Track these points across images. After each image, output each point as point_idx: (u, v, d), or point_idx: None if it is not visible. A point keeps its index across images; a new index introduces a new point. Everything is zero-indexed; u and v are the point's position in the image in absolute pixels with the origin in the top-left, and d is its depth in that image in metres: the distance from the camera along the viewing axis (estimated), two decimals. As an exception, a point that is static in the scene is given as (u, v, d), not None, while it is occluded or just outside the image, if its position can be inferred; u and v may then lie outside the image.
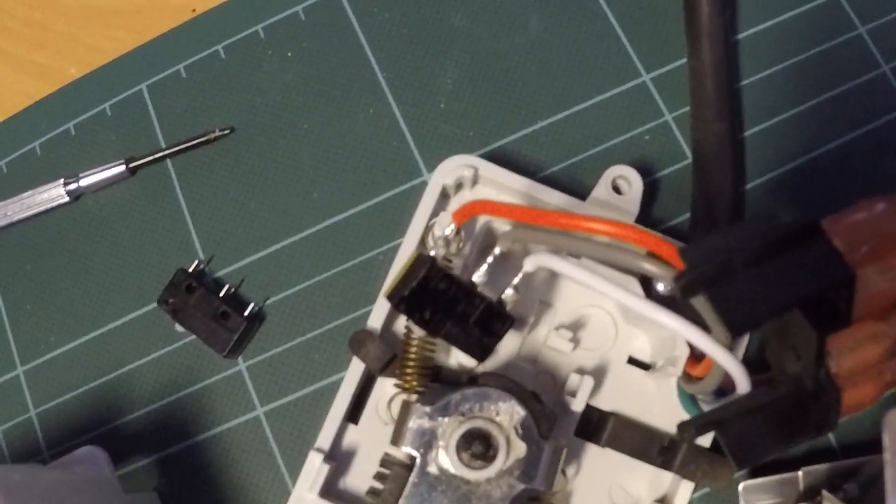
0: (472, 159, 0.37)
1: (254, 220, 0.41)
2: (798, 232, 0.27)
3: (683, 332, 0.30)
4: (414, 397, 0.34)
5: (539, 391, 0.36)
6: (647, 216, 0.38)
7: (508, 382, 0.34)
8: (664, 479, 0.36)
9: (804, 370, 0.29)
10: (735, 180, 0.38)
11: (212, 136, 0.41)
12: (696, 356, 0.34)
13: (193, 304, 0.39)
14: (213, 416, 0.39)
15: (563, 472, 0.36)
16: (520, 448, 0.33)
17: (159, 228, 0.41)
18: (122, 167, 0.42)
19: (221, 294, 0.39)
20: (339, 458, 0.36)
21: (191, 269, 0.40)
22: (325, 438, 0.36)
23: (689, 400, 0.35)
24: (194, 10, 0.44)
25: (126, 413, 0.40)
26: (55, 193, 0.42)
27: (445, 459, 0.33)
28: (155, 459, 0.39)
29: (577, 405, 0.35)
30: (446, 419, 0.33)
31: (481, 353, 0.33)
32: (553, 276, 0.37)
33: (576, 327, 0.37)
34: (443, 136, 0.40)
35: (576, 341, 0.37)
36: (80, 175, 0.42)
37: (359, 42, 0.42)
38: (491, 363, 0.36)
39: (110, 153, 0.43)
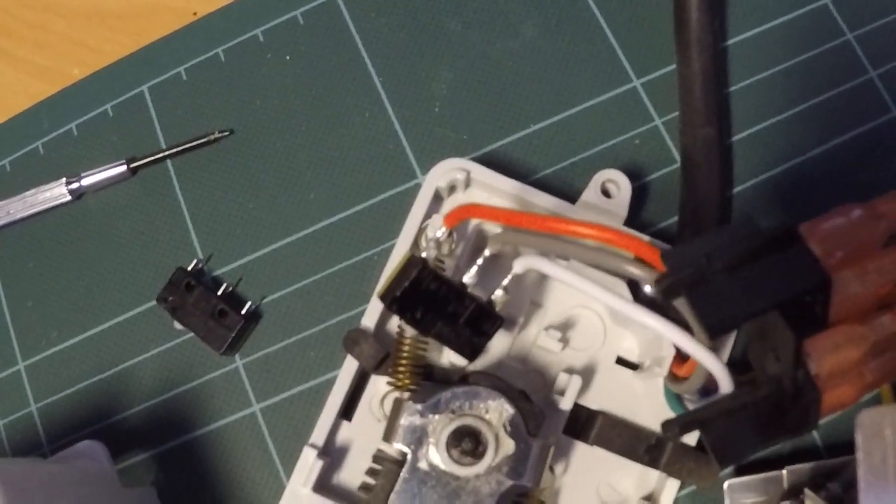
0: (465, 163, 0.38)
1: (252, 221, 0.41)
2: (777, 237, 0.27)
3: (667, 333, 0.31)
4: (406, 395, 0.35)
5: (528, 390, 0.36)
6: (636, 219, 0.39)
7: (498, 381, 0.35)
8: (651, 477, 0.37)
9: (784, 371, 0.30)
10: (722, 185, 0.39)
11: (211, 137, 0.42)
12: (681, 356, 0.35)
13: (192, 302, 0.40)
14: (211, 412, 0.40)
15: (552, 469, 0.37)
16: (508, 445, 0.33)
17: (159, 228, 0.42)
18: (124, 167, 0.43)
19: (219, 293, 0.40)
20: (332, 454, 0.37)
21: (189, 268, 0.41)
22: (319, 434, 0.36)
23: (675, 399, 0.36)
24: (195, 14, 0.45)
25: (125, 408, 0.41)
26: (57, 192, 0.43)
27: (435, 456, 0.33)
28: (153, 454, 0.40)
29: (566, 404, 0.36)
30: (437, 416, 0.34)
31: (471, 352, 0.34)
32: (543, 277, 0.38)
33: (565, 327, 0.38)
34: (437, 139, 0.41)
35: (565, 341, 0.37)
36: (82, 174, 0.43)
37: (356, 46, 0.43)
38: (482, 362, 0.37)
39: (112, 153, 0.43)
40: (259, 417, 0.40)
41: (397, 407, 0.34)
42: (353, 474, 0.37)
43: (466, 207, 0.33)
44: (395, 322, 0.37)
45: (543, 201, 0.37)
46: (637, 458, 0.37)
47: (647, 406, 0.37)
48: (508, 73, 0.42)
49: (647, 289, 0.36)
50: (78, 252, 0.43)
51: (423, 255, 0.33)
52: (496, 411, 0.34)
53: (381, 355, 0.36)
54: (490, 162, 0.39)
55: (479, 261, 0.34)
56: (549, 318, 0.38)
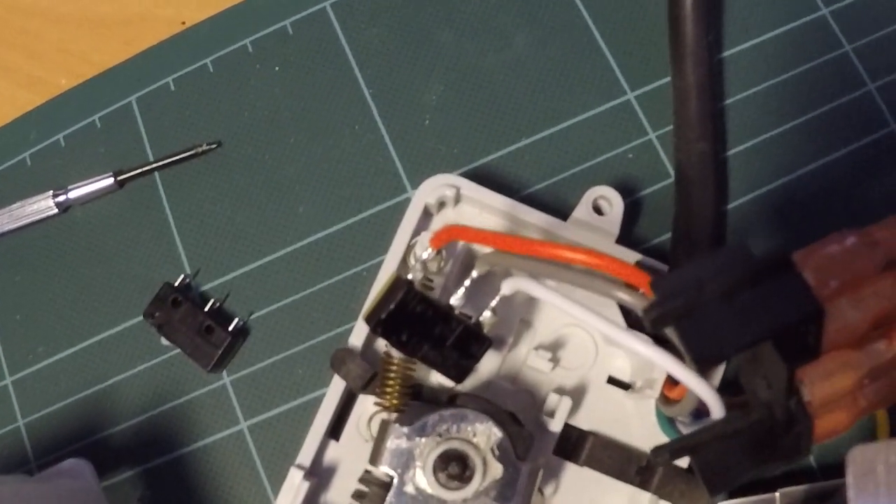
0: (454, 178, 0.37)
1: (240, 235, 0.41)
2: (769, 265, 0.27)
3: (657, 359, 0.31)
4: (394, 415, 0.35)
5: (518, 410, 0.36)
6: (629, 235, 0.39)
7: (486, 404, 0.34)
8: (642, 499, 0.36)
9: (775, 399, 0.29)
10: (717, 201, 0.38)
11: (199, 150, 0.42)
12: (673, 379, 0.34)
13: (179, 318, 0.40)
14: (198, 429, 0.40)
15: (541, 491, 0.36)
16: (496, 469, 0.33)
17: (146, 241, 0.42)
18: (111, 180, 0.42)
19: (206, 308, 0.40)
20: (319, 475, 0.37)
21: (177, 283, 0.40)
22: (305, 455, 0.36)
23: (666, 421, 0.35)
24: (184, 23, 0.44)
25: (112, 425, 0.40)
26: (44, 205, 0.42)
27: (422, 480, 0.33)
28: (140, 471, 0.40)
29: (556, 425, 0.35)
30: (424, 440, 0.33)
31: (459, 375, 0.34)
32: (533, 298, 0.37)
33: (555, 347, 0.37)
34: (427, 152, 0.41)
35: (555, 361, 0.37)
36: (69, 187, 0.42)
37: (346, 57, 0.42)
38: (470, 382, 0.37)
39: (99, 165, 0.43)
40: (247, 435, 0.39)
41: (384, 429, 0.34)
42: (340, 495, 0.36)
43: (453, 229, 0.33)
44: (382, 341, 0.37)
45: (534, 218, 0.37)
46: (628, 479, 0.36)
47: (639, 426, 0.36)
48: (500, 85, 0.41)
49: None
50: (65, 266, 0.42)
51: (410, 276, 0.33)
52: (484, 435, 0.33)
53: (368, 375, 0.36)
54: (481, 176, 0.39)
55: (467, 282, 0.33)
56: (540, 338, 0.37)
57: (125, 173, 0.42)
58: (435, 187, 0.37)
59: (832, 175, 0.40)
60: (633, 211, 0.39)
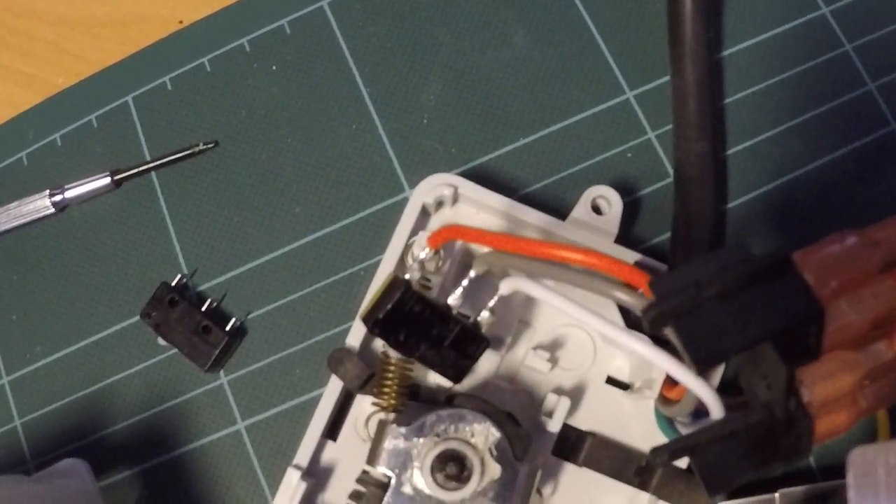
0: (452, 178, 0.37)
1: (237, 235, 0.41)
2: (769, 265, 0.26)
3: (656, 360, 0.30)
4: (391, 416, 0.35)
5: (516, 410, 0.36)
6: (628, 235, 0.38)
7: (484, 404, 0.34)
8: (641, 499, 0.36)
9: (775, 400, 0.29)
10: (716, 200, 0.38)
11: (196, 149, 0.41)
12: (672, 379, 0.34)
13: (175, 318, 0.39)
14: (195, 429, 0.39)
15: (540, 491, 0.36)
16: (494, 470, 0.33)
17: (143, 241, 0.42)
18: (108, 179, 0.42)
19: (203, 308, 0.40)
20: (317, 475, 0.36)
21: (174, 283, 0.40)
22: (303, 455, 0.36)
23: (666, 422, 0.35)
24: (181, 22, 0.44)
25: (109, 425, 0.40)
26: (41, 205, 0.42)
27: (420, 480, 0.33)
28: (137, 471, 0.39)
29: (554, 426, 0.35)
30: (421, 440, 0.33)
31: (456, 375, 0.33)
32: (532, 298, 0.37)
33: (554, 347, 0.37)
34: (425, 152, 0.40)
35: (554, 361, 0.37)
36: (66, 187, 0.42)
37: (343, 56, 0.42)
38: (469, 382, 0.36)
39: (96, 164, 0.43)
40: (244, 435, 0.39)
41: (381, 429, 0.34)
42: (337, 495, 0.36)
43: (451, 229, 0.33)
44: (380, 341, 0.37)
45: (532, 218, 0.36)
46: (627, 479, 0.36)
47: (638, 427, 0.36)
48: (498, 84, 0.41)
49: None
50: (62, 265, 0.42)
51: (408, 276, 0.33)
52: (482, 435, 0.33)
53: (365, 375, 0.35)
54: (479, 176, 0.39)
55: (465, 282, 0.33)
56: (538, 338, 0.37)
57: (122, 173, 0.42)
58: (432, 187, 0.37)
59: (832, 175, 0.40)
60: (632, 210, 0.39)
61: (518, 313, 0.37)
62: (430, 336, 0.32)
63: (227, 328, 0.39)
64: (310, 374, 0.39)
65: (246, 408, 0.39)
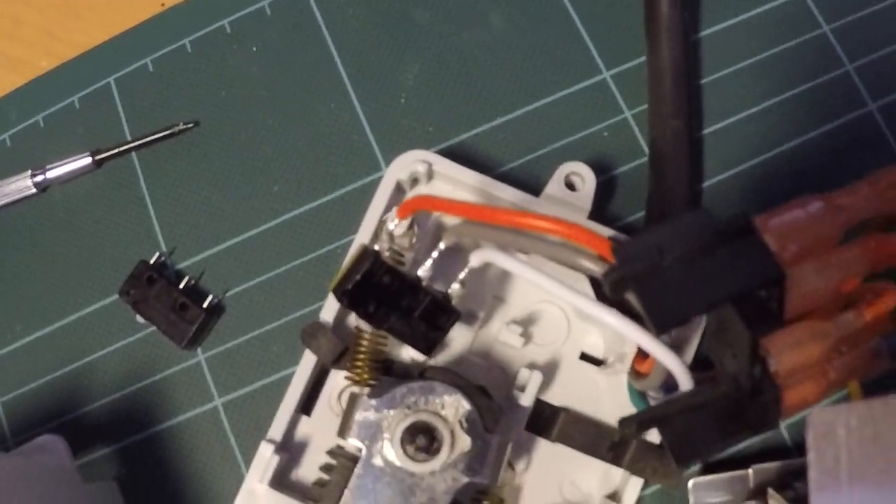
0: (427, 154, 0.37)
1: (215, 213, 0.41)
2: (730, 229, 0.27)
3: (625, 330, 0.31)
4: (366, 390, 0.35)
5: (490, 386, 0.36)
6: (603, 213, 0.38)
7: (455, 377, 0.34)
8: (615, 475, 0.36)
9: (740, 368, 0.29)
10: (691, 178, 0.38)
11: (176, 129, 0.42)
12: (643, 352, 0.34)
13: (153, 295, 0.40)
14: (173, 406, 0.40)
15: (512, 465, 0.36)
16: (464, 442, 0.33)
17: (123, 220, 0.42)
18: (88, 159, 0.42)
19: (181, 286, 0.40)
20: (291, 450, 0.36)
21: (152, 261, 0.40)
22: (276, 430, 0.36)
23: (638, 396, 0.35)
24: (163, 5, 0.44)
25: (88, 403, 0.40)
26: (22, 185, 0.42)
27: (390, 452, 0.33)
28: (115, 449, 0.40)
29: (526, 400, 0.35)
30: (392, 412, 0.33)
31: (427, 347, 0.33)
32: (506, 272, 0.37)
33: (528, 322, 0.37)
34: (402, 131, 0.41)
35: (527, 336, 0.37)
36: (47, 167, 0.42)
37: (323, 37, 0.42)
38: (442, 357, 0.37)
39: (78, 146, 0.43)
40: (221, 412, 0.39)
41: (352, 401, 0.34)
42: (311, 470, 0.36)
43: (421, 198, 0.33)
44: (354, 316, 0.37)
45: (507, 194, 0.37)
46: (600, 455, 0.36)
47: (611, 403, 0.36)
48: (476, 63, 0.41)
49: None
50: (43, 245, 0.42)
51: (377, 247, 0.33)
52: (452, 407, 0.33)
53: (339, 349, 0.36)
54: (456, 154, 0.39)
55: (435, 253, 0.33)
56: (512, 314, 0.37)
57: (102, 153, 0.42)
58: (407, 163, 0.37)
59: (809, 155, 0.40)
60: (607, 189, 0.39)
61: (492, 289, 0.37)
62: (399, 307, 0.32)
63: (205, 305, 0.39)
64: (286, 351, 0.39)
65: (223, 385, 0.39)
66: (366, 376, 0.35)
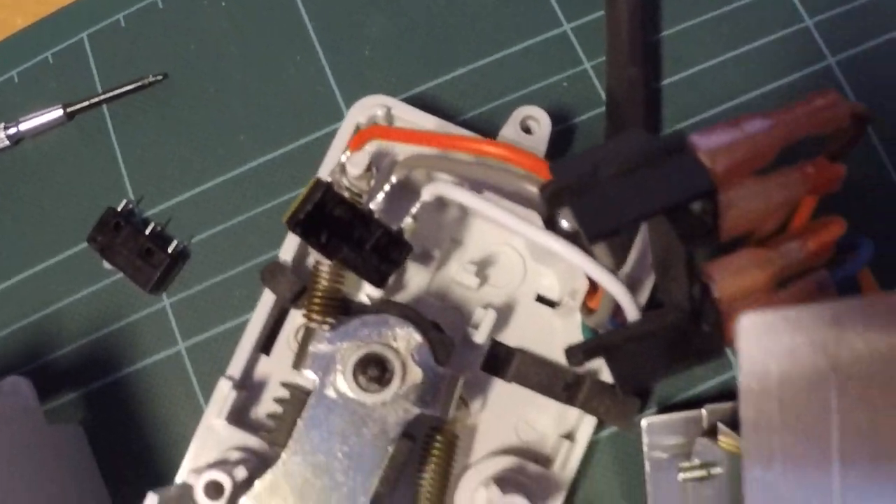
0: (387, 99, 0.38)
1: (183, 163, 0.42)
2: (666, 147, 0.27)
3: (570, 256, 0.31)
4: (324, 329, 0.35)
5: (446, 326, 0.36)
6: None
7: (408, 311, 0.34)
8: (570, 415, 0.36)
9: (679, 289, 0.29)
10: (647, 124, 0.39)
11: (145, 82, 0.42)
12: (594, 289, 0.34)
13: (120, 241, 0.40)
14: (138, 351, 0.40)
15: (465, 401, 0.36)
16: (416, 374, 0.33)
17: (93, 171, 0.42)
18: (60, 112, 0.43)
19: (147, 232, 0.40)
20: (249, 388, 0.37)
21: (119, 209, 0.41)
22: (235, 367, 0.36)
23: (591, 333, 0.36)
24: (135, -38, 0.45)
25: (56, 349, 0.41)
26: (-5, 137, 0.43)
27: (342, 383, 0.33)
28: (81, 394, 0.40)
29: (480, 337, 0.36)
30: (345, 344, 0.34)
31: (379, 279, 0.34)
32: (463, 215, 0.38)
33: (485, 265, 0.38)
34: (367, 81, 0.41)
35: (484, 278, 0.37)
36: (20, 119, 0.43)
37: (290, -9, 0.43)
38: (400, 298, 0.37)
39: (51, 100, 0.43)
40: (185, 356, 0.40)
41: (307, 335, 0.34)
42: (269, 407, 0.37)
43: (372, 128, 0.33)
44: (313, 257, 0.37)
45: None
46: (555, 395, 0.36)
47: (566, 343, 0.36)
48: (439, 15, 0.42)
49: (565, 223, 0.36)
50: (14, 196, 0.43)
51: (329, 178, 0.33)
52: (404, 339, 0.34)
53: (297, 288, 0.36)
54: (417, 103, 0.39)
55: (387, 187, 0.34)
56: (469, 256, 0.38)
57: (73, 105, 0.43)
58: (367, 107, 0.37)
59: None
60: (565, 137, 0.40)
61: (450, 232, 0.38)
62: (351, 238, 0.33)
63: (170, 250, 0.40)
64: (249, 296, 0.40)
65: (187, 329, 0.40)
66: (323, 315, 0.35)
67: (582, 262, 0.31)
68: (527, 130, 0.37)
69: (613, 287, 0.31)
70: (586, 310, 0.35)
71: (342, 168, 0.34)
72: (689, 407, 0.37)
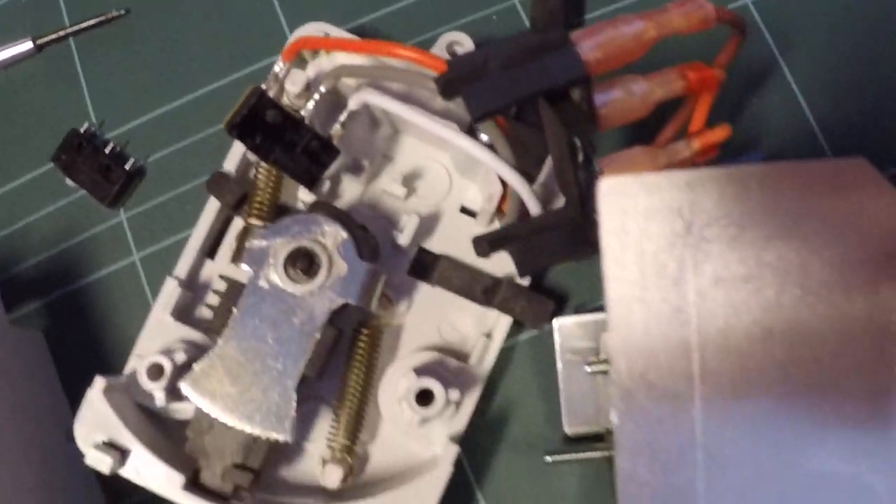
0: (325, 26, 0.41)
1: (142, 90, 0.45)
2: (549, 42, 0.30)
3: (476, 153, 0.34)
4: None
5: (376, 233, 0.39)
6: (489, 87, 0.42)
7: (337, 211, 0.38)
8: (489, 317, 0.39)
9: (565, 167, 0.32)
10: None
11: (109, 16, 0.46)
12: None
13: (82, 160, 0.43)
14: (96, 262, 0.43)
15: (390, 299, 0.39)
16: (341, 266, 0.36)
17: (60, 99, 0.46)
18: (30, 44, 0.46)
19: (107, 151, 0.44)
20: (195, 289, 0.40)
21: (82, 131, 0.44)
22: (181, 268, 0.40)
23: (506, 238, 0.39)
24: None
25: (20, 263, 0.44)
26: (-34, 69, 0.46)
27: (274, 275, 0.36)
28: (42, 304, 0.43)
29: (404, 239, 0.39)
30: (278, 240, 0.37)
31: (310, 180, 0.37)
32: (395, 133, 0.41)
33: (413, 178, 0.41)
34: (314, 13, 0.44)
35: (412, 190, 0.40)
36: (-9, 52, 0.46)
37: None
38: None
39: (22, 34, 0.47)
40: (139, 266, 0.43)
41: (245, 232, 0.37)
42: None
43: (301, 39, 0.37)
44: (255, 168, 0.40)
45: (397, 63, 0.40)
46: (475, 297, 0.39)
47: (486, 250, 0.40)
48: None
49: (483, 136, 0.39)
50: (-15, 124, 0.46)
51: (263, 86, 0.37)
52: (332, 236, 0.37)
53: (239, 195, 0.39)
54: (358, 34, 0.42)
55: (316, 95, 0.37)
56: (399, 169, 0.41)
57: (42, 38, 0.46)
58: (307, 33, 0.41)
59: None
60: (494, 66, 0.43)
61: (382, 148, 0.41)
62: (283, 141, 0.36)
63: (127, 167, 0.43)
64: (199, 210, 0.42)
65: (141, 241, 0.43)
66: (261, 218, 0.38)
67: (489, 160, 0.35)
68: (453, 55, 0.41)
69: (517, 183, 0.35)
70: (500, 213, 0.38)
71: (275, 77, 0.37)
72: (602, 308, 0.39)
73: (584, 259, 0.35)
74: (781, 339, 0.28)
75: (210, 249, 0.40)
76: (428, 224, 0.40)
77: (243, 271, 0.37)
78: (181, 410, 0.38)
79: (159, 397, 0.37)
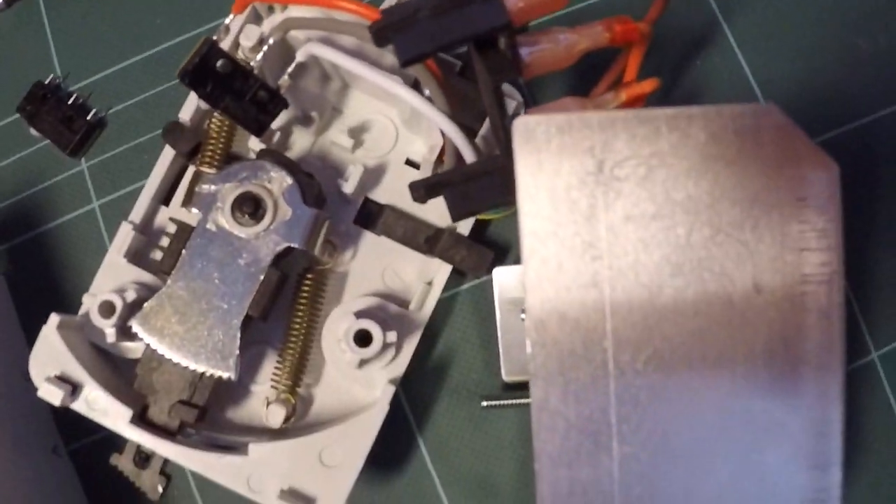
0: (278, -18, 0.42)
1: (106, 45, 0.46)
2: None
3: (414, 103, 0.36)
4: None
5: (324, 182, 0.41)
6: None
7: (283, 158, 0.39)
8: (432, 266, 0.41)
9: (494, 113, 0.34)
10: None
11: (76, -28, 0.47)
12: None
13: (46, 110, 0.45)
14: (57, 209, 0.45)
15: (334, 245, 0.41)
16: (285, 211, 0.38)
17: (27, 53, 0.47)
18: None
19: (70, 102, 0.45)
20: (150, 234, 0.42)
21: (47, 82, 0.46)
22: (136, 213, 0.41)
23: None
24: None
25: (-15, 214, 0.46)
26: (-60, 22, 0.48)
27: (222, 218, 0.38)
28: (5, 248, 0.45)
29: (349, 188, 0.40)
30: (226, 185, 0.38)
31: (258, 129, 0.39)
32: (344, 87, 0.42)
33: (361, 131, 0.42)
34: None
35: (360, 142, 0.42)
36: (-37, 6, 0.48)
37: None
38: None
39: (-7, -9, 0.48)
40: (98, 213, 0.44)
41: (195, 177, 0.39)
42: (165, 251, 0.41)
43: (249, -9, 0.38)
44: (210, 120, 0.42)
45: (349, 17, 0.42)
46: (417, 246, 0.41)
47: (429, 202, 0.41)
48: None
49: (426, 91, 0.40)
50: (-46, 77, 0.48)
51: (215, 37, 0.38)
52: (277, 182, 0.38)
53: (193, 143, 0.41)
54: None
55: (265, 47, 0.38)
56: (348, 122, 0.42)
57: (12, -7, 0.48)
58: (263, -9, 0.42)
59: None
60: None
61: (331, 101, 0.42)
62: (233, 90, 0.37)
63: (89, 118, 0.45)
64: (155, 159, 0.44)
65: (100, 189, 0.45)
66: (215, 166, 0.40)
67: (427, 110, 0.36)
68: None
69: (452, 133, 0.36)
70: (440, 163, 0.40)
71: (226, 28, 0.39)
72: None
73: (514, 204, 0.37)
74: (691, 275, 0.30)
75: (165, 196, 0.42)
76: (374, 175, 0.42)
77: (194, 215, 0.38)
78: (132, 350, 0.40)
79: (110, 333, 0.39)
